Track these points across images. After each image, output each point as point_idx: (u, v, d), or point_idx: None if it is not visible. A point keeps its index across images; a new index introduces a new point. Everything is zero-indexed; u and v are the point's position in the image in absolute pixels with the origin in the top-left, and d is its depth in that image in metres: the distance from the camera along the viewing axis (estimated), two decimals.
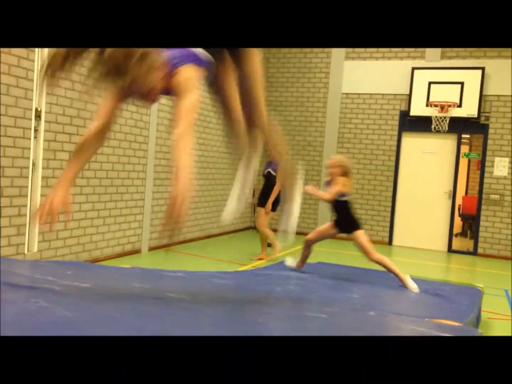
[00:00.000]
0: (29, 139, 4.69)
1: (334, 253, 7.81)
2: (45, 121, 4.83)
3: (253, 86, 1.98)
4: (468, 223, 10.43)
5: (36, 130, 4.74)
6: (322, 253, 7.77)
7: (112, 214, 5.95)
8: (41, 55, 4.69)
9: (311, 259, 6.23)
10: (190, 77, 1.75)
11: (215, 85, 2.03)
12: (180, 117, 1.68)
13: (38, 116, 4.74)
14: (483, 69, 8.02)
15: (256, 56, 2.01)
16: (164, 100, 6.67)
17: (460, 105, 8.11)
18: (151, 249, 6.73)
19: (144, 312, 1.88)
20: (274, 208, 6.42)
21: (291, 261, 4.95)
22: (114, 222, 5.98)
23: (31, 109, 4.67)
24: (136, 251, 6.44)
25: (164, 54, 1.74)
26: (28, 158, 4.71)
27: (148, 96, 1.76)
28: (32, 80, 4.66)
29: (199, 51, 1.86)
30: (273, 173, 6.30)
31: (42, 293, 1.55)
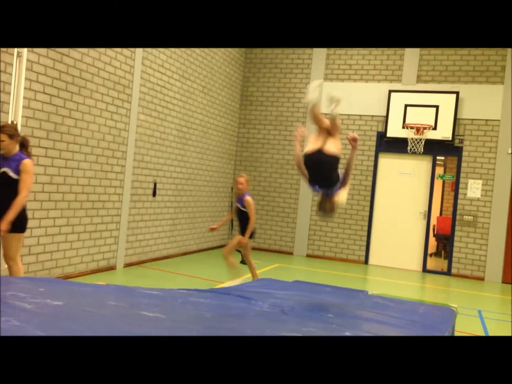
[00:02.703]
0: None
1: (310, 271, 7.82)
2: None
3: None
4: (442, 243, 10.58)
5: None
6: (298, 271, 7.78)
7: (87, 230, 5.86)
8: (18, 69, 4.65)
9: (288, 277, 6.21)
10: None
11: None
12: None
13: None
14: (457, 93, 8.24)
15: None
16: (142, 115, 6.65)
17: (435, 128, 8.29)
18: (127, 265, 6.64)
19: (119, 331, 1.84)
20: (20, 228, 4.03)
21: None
22: (89, 237, 5.89)
23: (7, 122, 4.61)
24: (111, 268, 6.35)
25: None
26: None
27: None
28: (9, 93, 4.60)
29: None
30: (11, 174, 3.90)
31: (13, 311, 1.51)
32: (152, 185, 7.05)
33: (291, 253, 9.19)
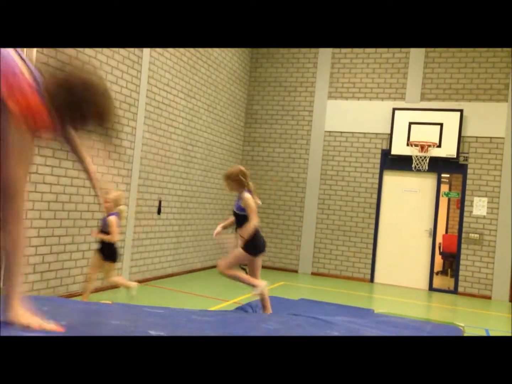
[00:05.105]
0: None
1: (315, 289, 7.77)
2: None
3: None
4: (448, 261, 10.50)
5: None
6: (304, 290, 7.73)
7: (92, 248, 5.86)
8: None
9: (293, 296, 6.17)
10: None
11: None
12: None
13: None
14: (461, 111, 8.26)
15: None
16: (147, 134, 6.70)
17: (439, 145, 8.30)
18: None
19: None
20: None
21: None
22: (93, 256, 5.88)
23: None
24: (115, 286, 6.32)
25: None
26: None
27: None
28: None
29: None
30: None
31: (18, 331, 1.51)
32: (157, 203, 7.07)
33: (296, 271, 9.14)
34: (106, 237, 4.88)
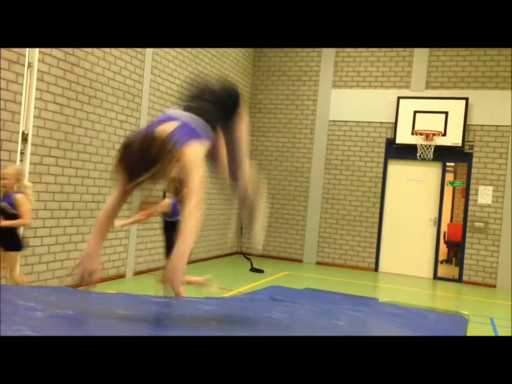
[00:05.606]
0: (15, 161, 4.66)
1: (320, 279, 7.80)
2: (32, 144, 4.81)
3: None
4: (453, 250, 10.49)
5: (22, 153, 4.72)
6: (308, 279, 7.75)
7: None
8: (29, 79, 4.70)
9: (298, 285, 6.19)
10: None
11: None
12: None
13: (24, 139, 4.72)
14: (466, 99, 8.20)
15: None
16: None
17: (444, 134, 8.26)
18: (136, 273, 6.65)
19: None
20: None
21: None
22: None
23: (18, 132, 4.66)
24: (121, 276, 6.37)
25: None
26: None
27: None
28: (20, 103, 4.66)
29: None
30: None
31: (24, 321, 1.52)
32: (161, 193, 7.07)
33: (300, 261, 9.16)
34: (15, 223, 3.93)
